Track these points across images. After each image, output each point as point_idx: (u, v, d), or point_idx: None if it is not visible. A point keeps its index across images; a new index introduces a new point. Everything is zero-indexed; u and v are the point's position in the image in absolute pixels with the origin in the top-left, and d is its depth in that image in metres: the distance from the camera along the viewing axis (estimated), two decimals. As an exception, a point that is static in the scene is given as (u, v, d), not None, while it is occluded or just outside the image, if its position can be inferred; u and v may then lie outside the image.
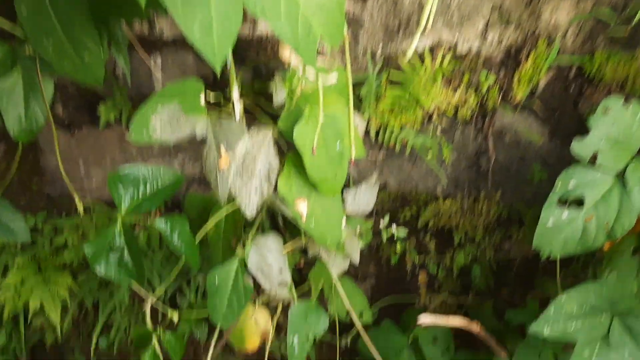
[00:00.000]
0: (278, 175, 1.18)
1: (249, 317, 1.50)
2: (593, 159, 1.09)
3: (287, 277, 1.31)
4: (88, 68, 0.96)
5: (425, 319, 1.32)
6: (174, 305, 1.71)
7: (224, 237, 1.36)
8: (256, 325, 1.53)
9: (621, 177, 1.08)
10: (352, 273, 1.92)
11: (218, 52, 0.73)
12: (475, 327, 1.38)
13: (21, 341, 1.72)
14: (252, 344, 1.53)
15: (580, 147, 1.06)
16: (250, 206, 1.14)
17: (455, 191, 1.60)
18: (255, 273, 1.27)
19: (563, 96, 1.39)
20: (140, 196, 1.12)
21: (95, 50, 0.95)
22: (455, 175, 1.56)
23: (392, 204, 1.67)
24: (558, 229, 1.09)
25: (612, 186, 1.08)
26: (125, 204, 1.10)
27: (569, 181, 1.08)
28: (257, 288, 1.38)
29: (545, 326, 1.18)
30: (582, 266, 1.73)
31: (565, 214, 1.09)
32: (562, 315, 1.19)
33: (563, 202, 1.11)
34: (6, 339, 1.65)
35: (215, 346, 1.52)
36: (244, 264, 1.28)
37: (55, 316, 1.59)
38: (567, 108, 1.42)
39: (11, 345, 1.68)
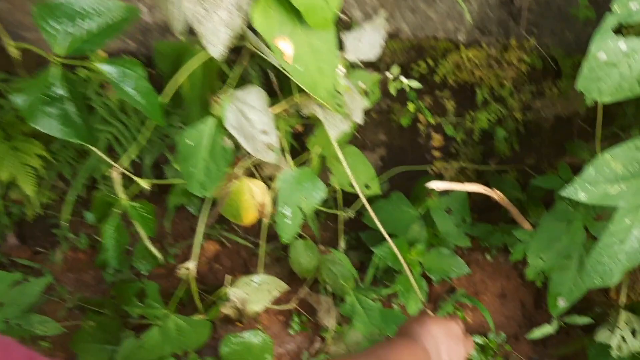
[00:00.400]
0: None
1: (243, 190, 1.33)
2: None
3: (274, 138, 1.10)
4: None
5: (437, 184, 1.13)
6: (159, 176, 1.55)
7: (201, 92, 1.14)
8: (253, 198, 1.36)
9: None
10: (360, 142, 1.71)
11: None
12: (495, 194, 1.19)
13: (2, 216, 1.61)
14: (248, 218, 1.37)
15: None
16: (217, 43, 0.91)
17: (480, 37, 1.32)
18: (234, 133, 1.06)
19: None
20: (80, 34, 0.90)
21: None
22: (482, 16, 1.27)
23: (405, 55, 1.41)
24: (612, 64, 0.84)
25: (692, 5, 0.81)
26: (60, 43, 0.88)
27: (631, 1, 0.82)
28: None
29: (581, 190, 0.98)
30: (624, 128, 1.49)
31: (624, 45, 0.83)
32: (603, 177, 0.98)
33: (620, 30, 0.85)
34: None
35: (208, 218, 1.38)
36: (221, 123, 1.07)
37: (29, 189, 1.44)
38: None
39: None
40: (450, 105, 1.49)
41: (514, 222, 1.44)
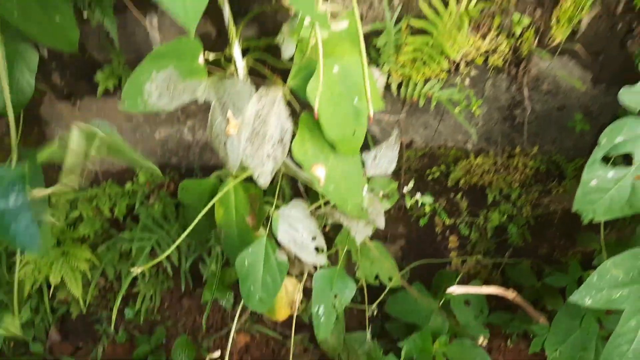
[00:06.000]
0: (292, 138, 1.08)
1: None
2: (645, 109, 0.95)
3: (322, 242, 1.23)
4: (60, 30, 0.86)
5: (457, 289, 1.23)
6: (196, 274, 1.67)
7: (237, 217, 1.27)
8: (286, 295, 1.48)
9: (678, 128, 0.93)
10: (381, 235, 1.83)
11: (191, 8, 0.63)
12: (510, 294, 1.28)
13: (47, 314, 1.73)
14: (282, 314, 1.48)
15: (629, 96, 0.92)
16: (263, 174, 1.05)
17: (487, 146, 1.47)
18: (289, 246, 1.19)
19: (609, 36, 1.23)
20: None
21: (66, 10, 0.85)
22: (487, 129, 1.42)
23: (419, 162, 1.56)
24: (602, 190, 0.96)
25: (667, 139, 0.94)
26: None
27: (616, 136, 0.95)
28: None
29: (587, 296, 1.08)
30: (629, 221, 1.59)
31: (611, 172, 0.96)
32: (606, 283, 1.08)
33: (608, 159, 0.98)
34: (31, 312, 1.65)
35: (240, 315, 1.48)
36: (273, 240, 1.20)
37: (76, 289, 1.57)
38: (613, 49, 1.25)
39: (37, 318, 1.69)
40: (463, 205, 1.61)
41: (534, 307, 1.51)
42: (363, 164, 1.28)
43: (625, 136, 0.94)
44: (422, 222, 1.62)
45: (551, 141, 1.44)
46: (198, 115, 1.41)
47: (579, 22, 1.18)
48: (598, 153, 0.96)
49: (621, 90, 0.92)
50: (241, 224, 1.21)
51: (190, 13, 0.63)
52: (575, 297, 1.08)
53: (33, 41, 0.96)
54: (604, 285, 1.08)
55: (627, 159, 0.98)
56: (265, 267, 1.19)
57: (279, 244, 1.21)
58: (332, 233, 1.71)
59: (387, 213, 1.74)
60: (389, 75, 1.29)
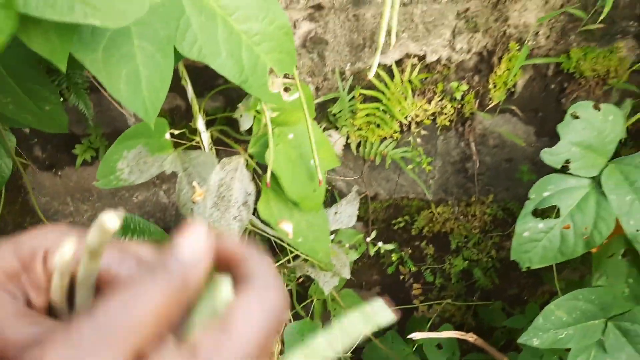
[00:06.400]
0: (257, 199, 1.18)
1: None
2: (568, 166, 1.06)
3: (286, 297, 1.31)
4: (50, 117, 0.97)
5: (418, 335, 1.31)
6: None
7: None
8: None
9: (597, 183, 1.04)
10: (356, 282, 1.91)
11: (150, 107, 0.73)
12: (470, 338, 1.36)
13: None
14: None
15: (549, 156, 1.03)
16: (230, 235, 1.14)
17: (446, 197, 1.57)
18: None
19: (544, 95, 1.35)
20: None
21: (54, 99, 0.96)
22: (443, 181, 1.53)
23: (385, 213, 1.66)
24: (535, 240, 1.06)
25: (588, 193, 1.04)
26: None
27: (543, 190, 1.05)
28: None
29: (535, 337, 1.16)
30: (582, 260, 1.68)
31: (541, 224, 1.06)
32: (552, 324, 1.17)
33: (539, 211, 1.08)
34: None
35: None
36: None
37: None
38: (550, 106, 1.38)
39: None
40: (429, 252, 1.70)
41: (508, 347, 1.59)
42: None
43: (551, 191, 1.05)
44: (390, 270, 1.71)
45: (504, 190, 1.55)
46: (172, 179, 1.51)
47: (515, 84, 1.31)
48: (528, 207, 1.06)
49: (542, 152, 1.03)
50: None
51: (150, 110, 0.73)
52: (523, 339, 1.16)
53: (10, 126, 1.07)
54: (549, 326, 1.16)
55: (557, 211, 1.08)
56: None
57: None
58: (307, 283, 1.79)
59: (361, 261, 1.83)
60: (348, 137, 1.40)
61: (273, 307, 0.27)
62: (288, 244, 1.29)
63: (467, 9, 1.18)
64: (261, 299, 0.27)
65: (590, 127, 1.02)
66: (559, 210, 1.05)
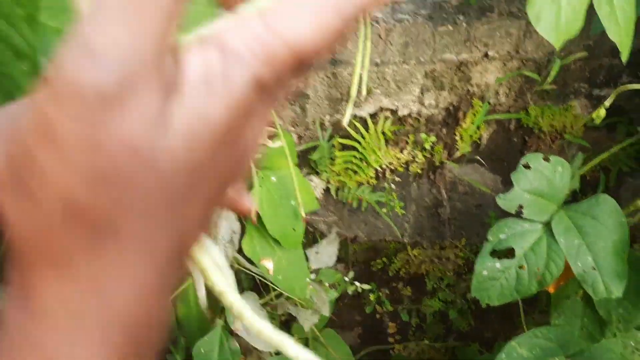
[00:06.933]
0: (241, 237, 1.28)
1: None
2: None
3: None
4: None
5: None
6: (162, 364, 1.79)
7: (197, 311, 1.44)
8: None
9: (548, 227, 1.14)
10: (338, 322, 1.98)
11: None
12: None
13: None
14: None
15: (504, 202, 1.14)
16: (212, 272, 1.24)
17: (421, 240, 1.67)
18: (242, 335, 1.35)
19: (508, 147, 1.48)
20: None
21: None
22: (418, 225, 1.63)
23: (364, 255, 1.75)
24: (493, 279, 1.16)
25: (541, 236, 1.15)
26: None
27: (500, 233, 1.16)
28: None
29: (497, 372, 1.23)
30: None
31: (498, 264, 1.16)
32: (513, 360, 1.25)
33: (498, 252, 1.18)
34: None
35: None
36: (226, 329, 1.36)
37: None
38: (514, 157, 1.50)
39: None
40: (406, 292, 1.79)
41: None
42: (307, 257, 1.47)
43: (507, 233, 1.15)
44: (367, 309, 1.79)
45: (475, 234, 1.65)
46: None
47: (480, 137, 1.43)
48: (487, 248, 1.16)
49: (497, 197, 1.14)
50: (201, 317, 1.37)
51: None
52: (486, 374, 1.23)
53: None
54: (511, 362, 1.24)
55: (511, 252, 1.18)
56: (220, 354, 1.34)
57: (232, 333, 1.36)
58: (291, 322, 1.87)
59: (342, 302, 1.91)
60: (328, 182, 1.52)
61: None
62: (270, 282, 1.38)
63: (434, 70, 1.32)
64: None
65: (540, 176, 1.13)
66: (514, 252, 1.15)
